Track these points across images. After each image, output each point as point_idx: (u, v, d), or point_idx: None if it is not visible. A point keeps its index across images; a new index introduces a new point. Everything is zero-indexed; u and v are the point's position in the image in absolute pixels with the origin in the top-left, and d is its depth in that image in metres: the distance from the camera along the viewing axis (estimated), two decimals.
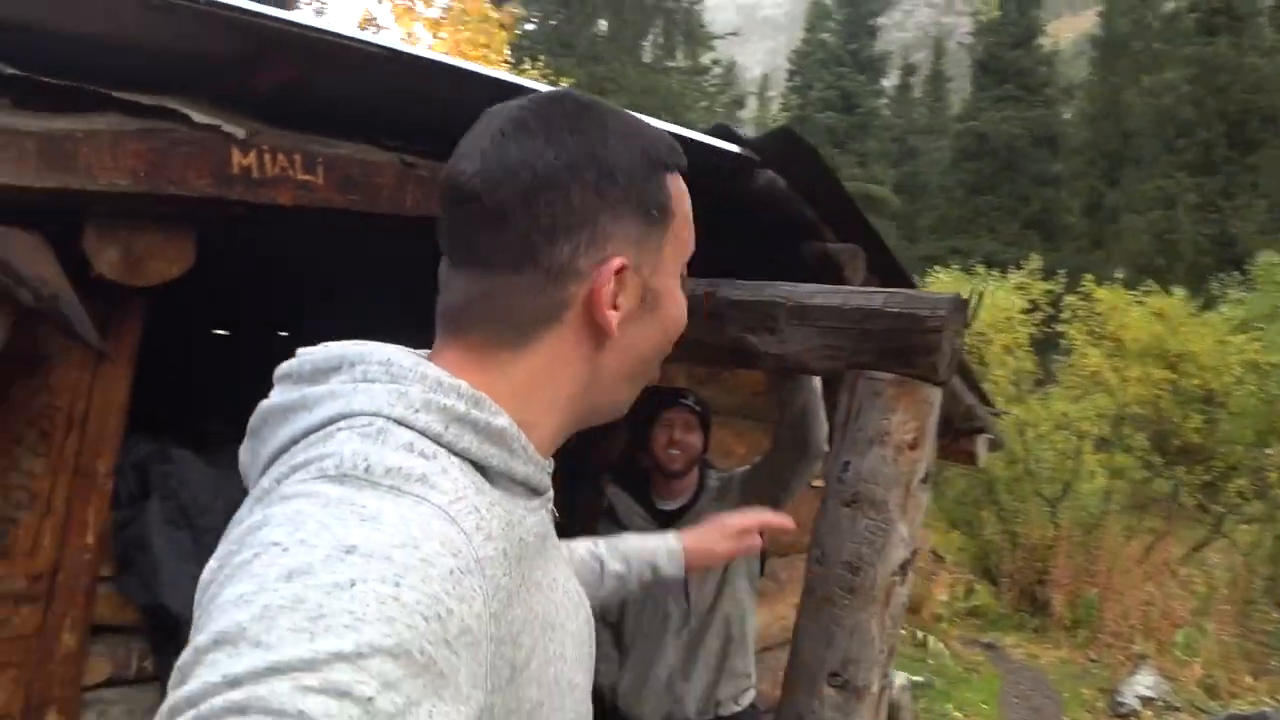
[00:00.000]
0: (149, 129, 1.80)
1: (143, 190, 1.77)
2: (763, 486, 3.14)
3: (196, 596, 0.63)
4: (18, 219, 1.71)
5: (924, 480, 2.36)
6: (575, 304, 0.83)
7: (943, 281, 16.80)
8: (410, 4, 13.72)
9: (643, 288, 0.87)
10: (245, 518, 0.66)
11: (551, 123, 0.81)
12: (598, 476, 3.81)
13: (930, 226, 33.48)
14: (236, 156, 1.90)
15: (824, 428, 2.92)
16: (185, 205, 1.87)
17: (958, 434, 5.83)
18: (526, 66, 16.50)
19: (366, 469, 0.66)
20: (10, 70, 1.66)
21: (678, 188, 0.90)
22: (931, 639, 9.88)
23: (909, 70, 41.69)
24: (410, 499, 0.65)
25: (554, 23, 26.63)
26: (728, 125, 3.20)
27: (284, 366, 0.80)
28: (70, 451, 2.09)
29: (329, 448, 0.68)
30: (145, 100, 1.79)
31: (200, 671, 0.52)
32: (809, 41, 36.16)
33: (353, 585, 0.56)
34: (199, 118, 1.85)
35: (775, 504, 3.15)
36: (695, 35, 28.84)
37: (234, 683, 0.51)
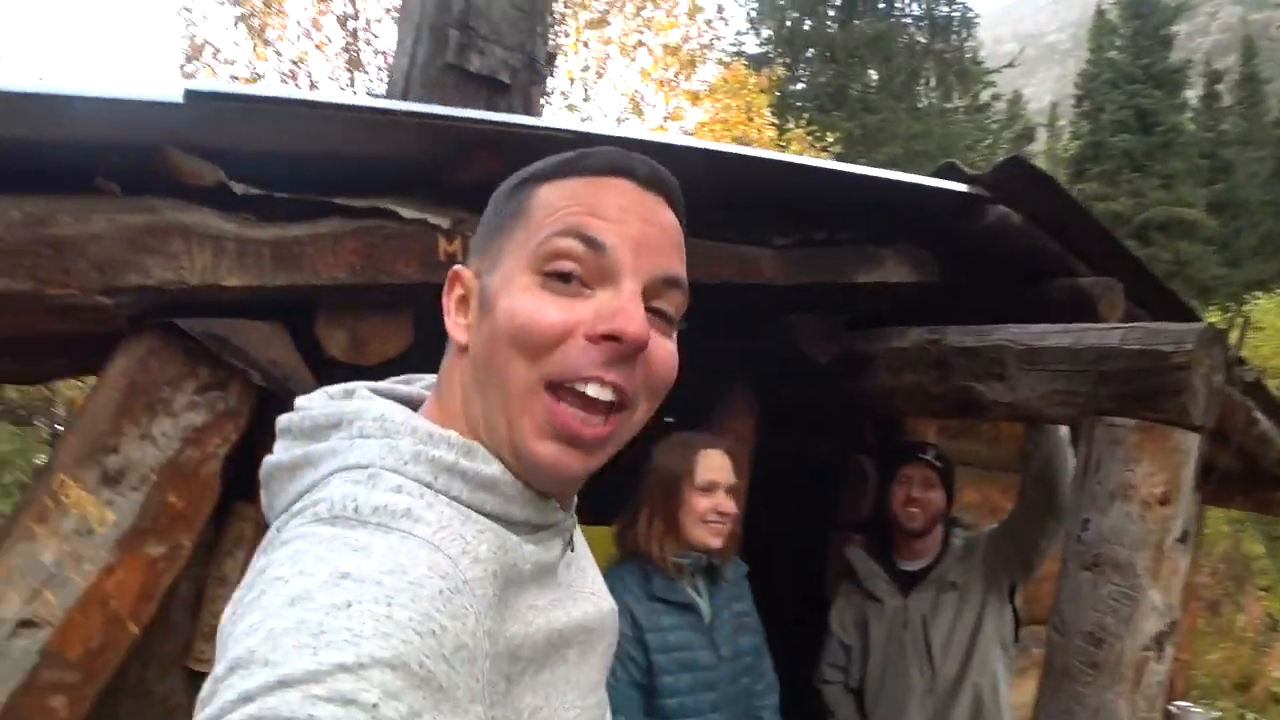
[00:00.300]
0: (363, 228, 2.00)
1: (360, 281, 1.97)
2: (1009, 548, 2.90)
3: (217, 640, 0.67)
4: (259, 312, 1.95)
5: (1181, 540, 2.08)
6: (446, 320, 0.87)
7: (1264, 308, 14.84)
8: (673, 80, 14.29)
9: (482, 292, 0.83)
10: (255, 564, 0.71)
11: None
12: (841, 532, 3.69)
13: (1253, 247, 29.78)
14: (442, 244, 2.06)
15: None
16: (399, 292, 2.05)
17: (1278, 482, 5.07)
18: (791, 126, 16.62)
19: (355, 509, 0.70)
20: (253, 189, 1.92)
21: (550, 189, 0.83)
22: None
23: (1215, 78, 37.52)
24: (397, 533, 0.69)
25: (823, 79, 26.68)
26: (954, 163, 3.04)
27: (284, 420, 0.84)
28: None
29: (323, 494, 0.72)
30: (360, 204, 2.00)
31: (218, 697, 0.56)
32: (1095, 62, 33.67)
33: (349, 606, 0.60)
34: (407, 213, 2.03)
35: (1027, 568, 2.90)
36: (969, 73, 27.80)
37: (247, 698, 0.55)
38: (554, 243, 0.78)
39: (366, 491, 0.71)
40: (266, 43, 12.41)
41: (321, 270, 1.92)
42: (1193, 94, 35.92)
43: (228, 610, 0.68)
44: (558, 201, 0.81)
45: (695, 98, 13.98)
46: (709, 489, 2.37)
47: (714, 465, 2.40)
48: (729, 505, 2.38)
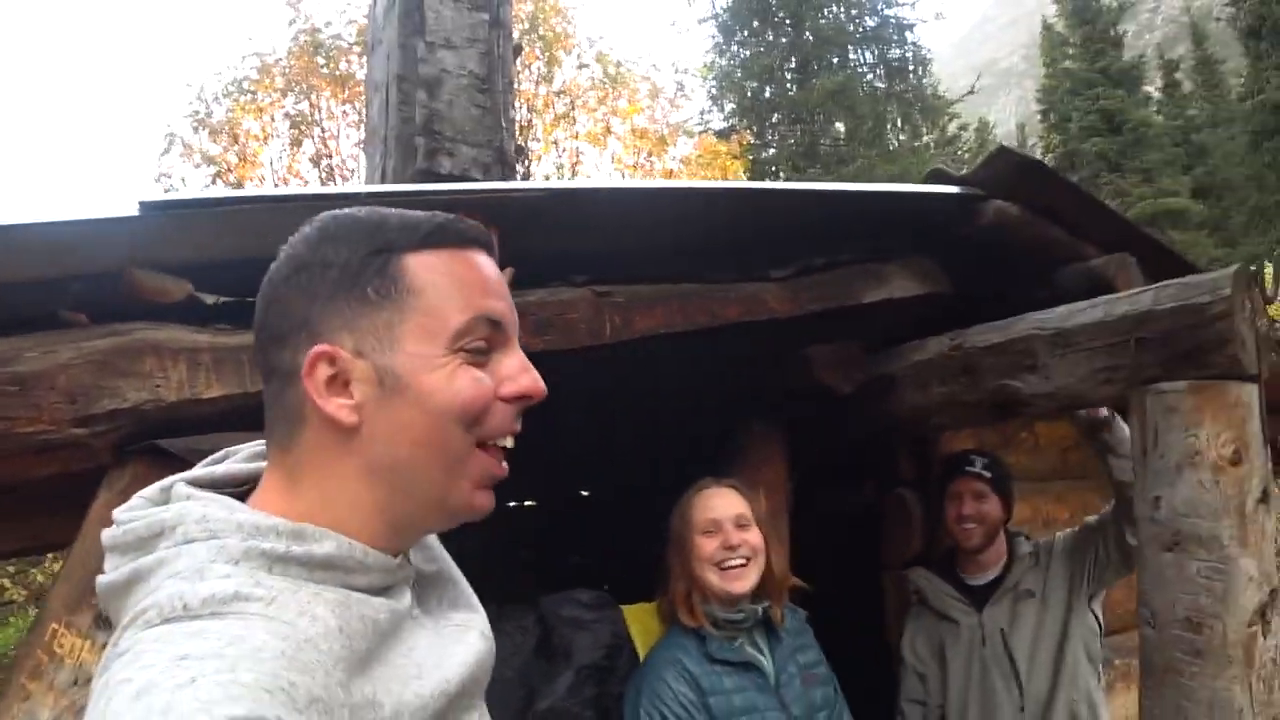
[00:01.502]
0: None
1: None
2: (1107, 547, 2.71)
3: None
4: (246, 421, 1.85)
5: (1262, 500, 1.92)
6: (308, 401, 0.84)
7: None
8: (645, 163, 14.49)
9: (375, 370, 0.84)
10: (95, 684, 0.69)
11: (291, 243, 0.90)
12: (891, 573, 3.51)
13: (1244, 224, 29.68)
14: None
15: None
16: None
17: None
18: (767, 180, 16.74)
19: (184, 606, 0.70)
20: (224, 298, 1.84)
21: (420, 263, 0.86)
22: None
23: (1171, 67, 37.88)
24: (231, 617, 0.69)
25: (791, 141, 27.07)
26: (941, 168, 2.98)
27: (108, 536, 0.83)
28: None
29: (151, 600, 0.71)
30: None
31: None
32: (1053, 74, 34.09)
33: (193, 682, 0.61)
34: None
35: (1128, 563, 2.70)
36: (933, 108, 28.17)
37: None
38: (469, 327, 0.85)
39: (192, 586, 0.72)
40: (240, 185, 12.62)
41: None
42: (1153, 88, 36.33)
43: None
44: (443, 281, 0.86)
45: (670, 175, 14.14)
46: (712, 530, 2.22)
47: (711, 504, 2.26)
48: (738, 537, 2.21)
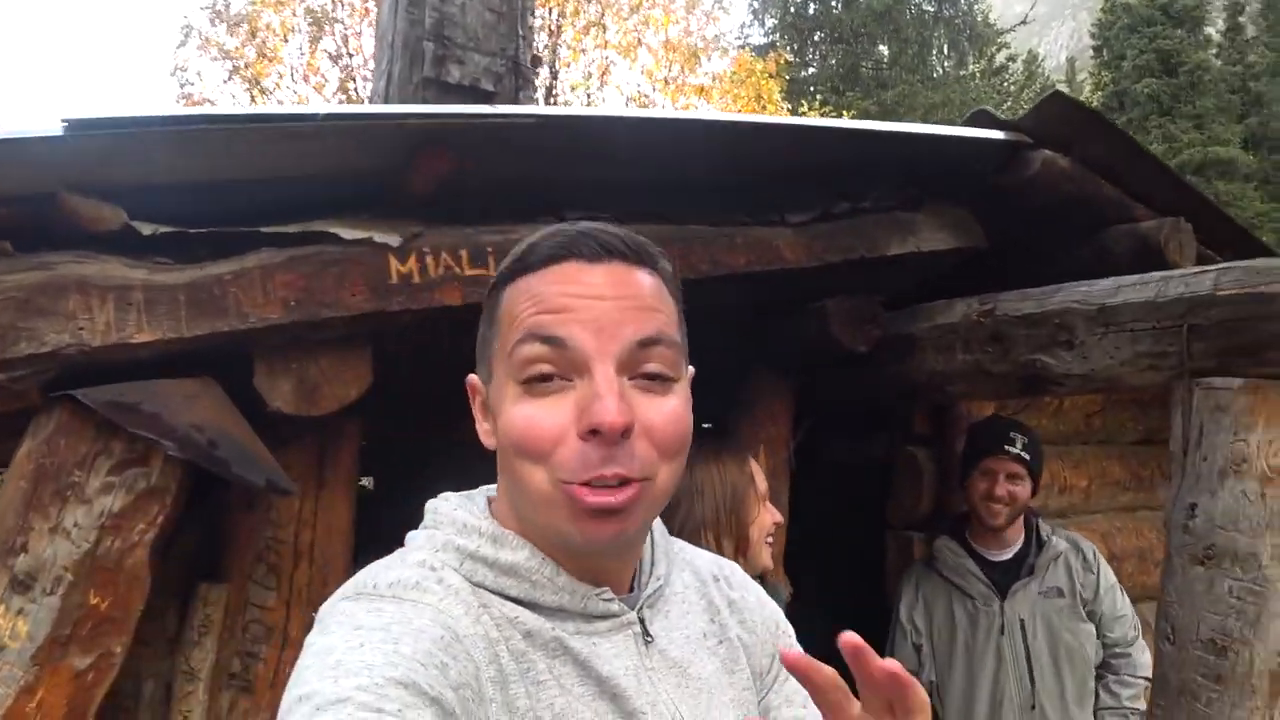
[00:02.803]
0: (297, 257, 1.72)
1: (299, 319, 1.69)
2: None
3: None
4: (190, 367, 1.68)
5: None
6: None
7: None
8: (678, 77, 13.97)
9: (488, 402, 0.87)
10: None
11: None
12: (896, 533, 3.35)
13: None
14: (394, 265, 1.77)
15: None
16: (351, 325, 1.76)
17: None
18: (804, 109, 16.22)
19: (374, 586, 0.79)
20: (162, 228, 1.64)
21: (510, 292, 0.84)
22: None
23: (1236, 9, 36.08)
24: (408, 602, 0.77)
25: (833, 61, 26.22)
26: (987, 110, 2.70)
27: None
28: (301, 582, 2.05)
29: (353, 578, 0.82)
30: (291, 230, 1.72)
31: None
32: (1110, 9, 32.61)
33: (361, 646, 0.70)
34: (348, 234, 1.74)
35: None
36: (982, 36, 27.18)
37: None
38: (521, 351, 0.80)
39: (385, 571, 0.81)
40: (264, 91, 12.30)
41: (250, 312, 1.63)
42: (1214, 30, 34.75)
43: None
44: (516, 305, 0.82)
45: (702, 91, 13.65)
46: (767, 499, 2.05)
47: (763, 474, 2.08)
48: (780, 517, 2.06)
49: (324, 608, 0.79)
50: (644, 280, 0.84)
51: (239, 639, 1.98)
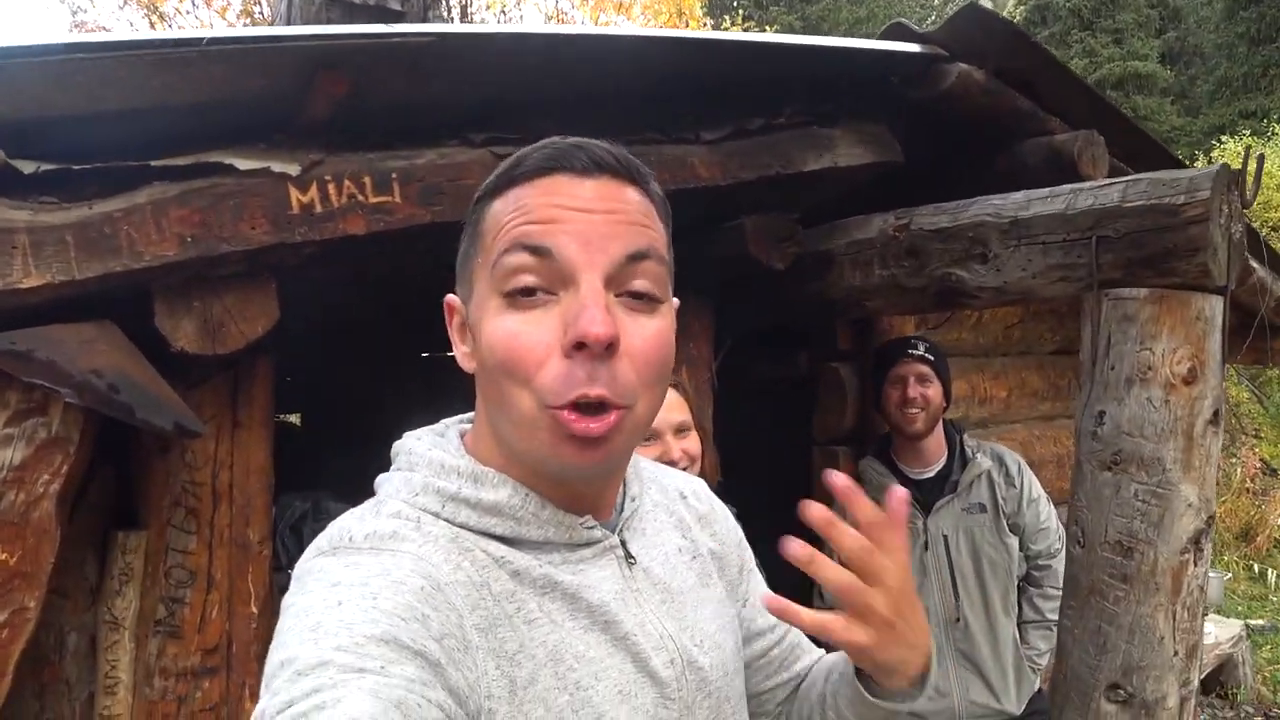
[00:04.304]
0: (191, 190, 1.64)
1: (197, 255, 1.62)
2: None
3: None
4: (90, 311, 1.60)
5: (1213, 422, 1.79)
6: None
7: (1233, 154, 14.45)
8: None
9: (468, 320, 0.84)
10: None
11: None
12: (823, 448, 3.41)
13: (1211, 93, 29.27)
14: (295, 195, 1.70)
15: None
16: (253, 259, 1.70)
17: (1275, 331, 4.79)
18: (726, 24, 15.94)
19: (349, 538, 0.77)
20: (46, 165, 1.55)
21: (496, 204, 0.81)
22: (1271, 573, 8.28)
23: None
24: (386, 553, 0.75)
25: None
26: (902, 21, 2.68)
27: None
28: (221, 523, 2.01)
29: (325, 531, 0.80)
30: (183, 162, 1.64)
31: (256, 708, 0.62)
32: None
33: (340, 604, 0.68)
34: (244, 164, 1.67)
35: None
36: None
37: (275, 693, 0.62)
38: (504, 260, 0.78)
39: (360, 522, 0.79)
40: (162, 18, 11.65)
41: (144, 250, 1.56)
42: None
43: None
44: (502, 217, 0.80)
45: (621, 7, 13.33)
46: (650, 439, 1.96)
47: (678, 403, 2.04)
48: (679, 449, 1.98)
49: (300, 564, 0.77)
50: (634, 197, 0.82)
51: (162, 585, 1.95)
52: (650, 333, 0.80)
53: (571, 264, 0.77)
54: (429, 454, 0.85)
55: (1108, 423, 1.83)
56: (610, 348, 0.75)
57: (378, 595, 0.68)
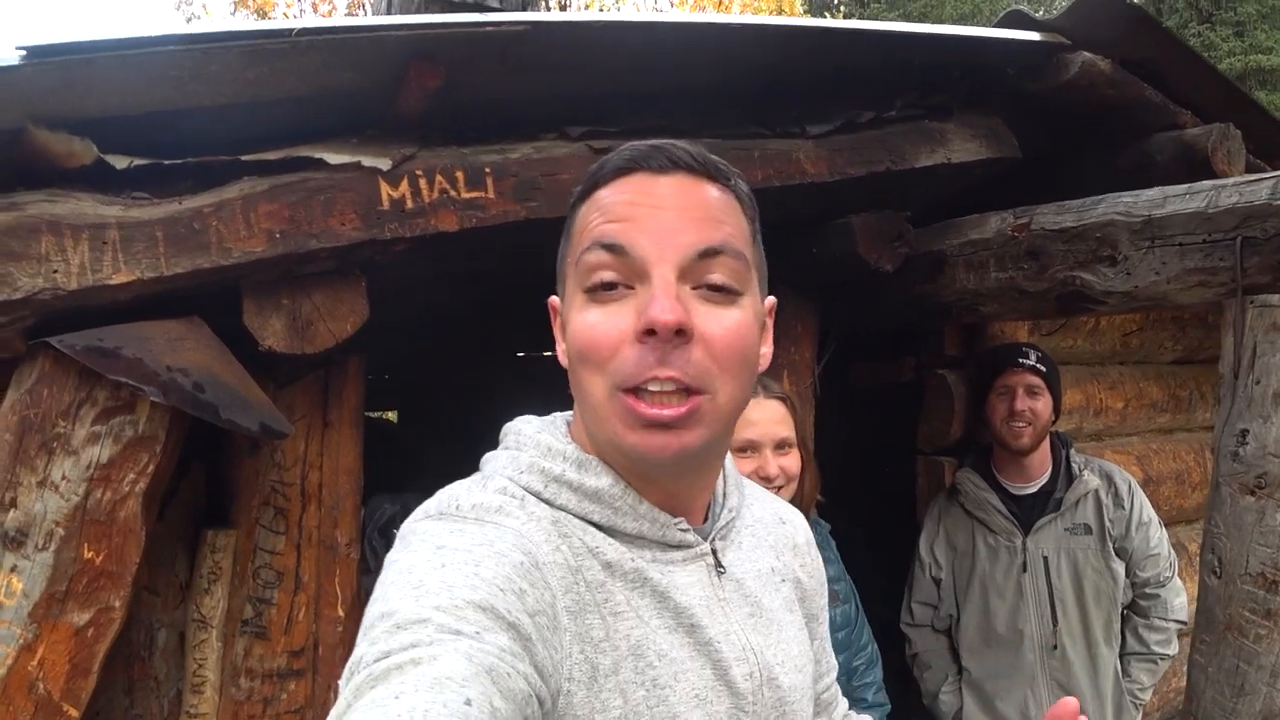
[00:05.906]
0: (281, 185, 1.61)
1: (286, 251, 1.59)
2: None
3: None
4: (183, 308, 1.59)
5: None
6: None
7: None
8: None
9: (561, 317, 0.89)
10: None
11: None
12: (927, 459, 3.26)
13: None
14: (386, 190, 1.66)
15: None
16: (343, 255, 1.66)
17: None
18: (828, 16, 15.65)
19: (456, 507, 0.80)
20: (137, 160, 1.54)
21: (584, 207, 0.85)
22: None
23: None
24: (490, 524, 0.78)
25: None
26: (1021, 10, 2.52)
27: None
28: (310, 524, 1.99)
29: (435, 497, 0.83)
30: (273, 156, 1.61)
31: (356, 658, 0.63)
32: None
33: (443, 567, 0.70)
34: (334, 159, 1.63)
35: None
36: None
37: (374, 642, 0.63)
38: (585, 258, 0.82)
39: (468, 493, 0.82)
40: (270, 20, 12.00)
41: (233, 246, 1.54)
42: None
43: None
44: (587, 218, 0.84)
45: (720, 4, 13.20)
46: (747, 451, 1.89)
47: (751, 419, 1.92)
48: (775, 465, 1.89)
49: (406, 525, 0.80)
50: (710, 193, 0.84)
51: (250, 585, 1.94)
52: (729, 322, 0.81)
53: (645, 258, 0.79)
54: (537, 436, 0.88)
55: (1251, 442, 1.67)
56: (681, 333, 0.77)
57: (480, 563, 0.71)
